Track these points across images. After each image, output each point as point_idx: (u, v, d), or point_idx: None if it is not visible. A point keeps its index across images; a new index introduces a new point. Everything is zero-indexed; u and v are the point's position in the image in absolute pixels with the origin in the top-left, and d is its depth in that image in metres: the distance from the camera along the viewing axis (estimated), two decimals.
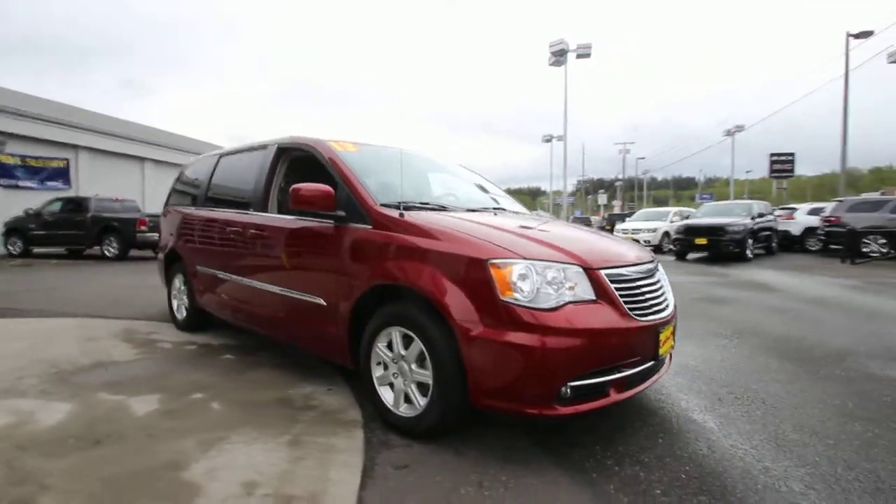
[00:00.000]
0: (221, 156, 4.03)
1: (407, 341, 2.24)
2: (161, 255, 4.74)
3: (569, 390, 1.92)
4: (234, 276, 3.38)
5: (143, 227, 12.33)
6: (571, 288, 2.00)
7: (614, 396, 2.05)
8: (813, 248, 13.85)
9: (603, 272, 2.09)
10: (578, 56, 18.22)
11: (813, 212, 14.35)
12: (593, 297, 2.03)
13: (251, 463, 2.01)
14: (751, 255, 11.81)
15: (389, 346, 2.33)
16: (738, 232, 11.68)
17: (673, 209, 16.52)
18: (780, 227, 14.19)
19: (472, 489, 1.84)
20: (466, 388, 2.02)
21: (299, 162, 3.49)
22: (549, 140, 32.46)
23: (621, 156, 51.87)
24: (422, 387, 2.20)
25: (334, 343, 2.61)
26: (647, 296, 2.25)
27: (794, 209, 15.52)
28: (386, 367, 2.36)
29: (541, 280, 1.96)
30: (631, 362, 2.10)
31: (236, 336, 4.12)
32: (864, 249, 11.18)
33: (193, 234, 4.01)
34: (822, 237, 12.65)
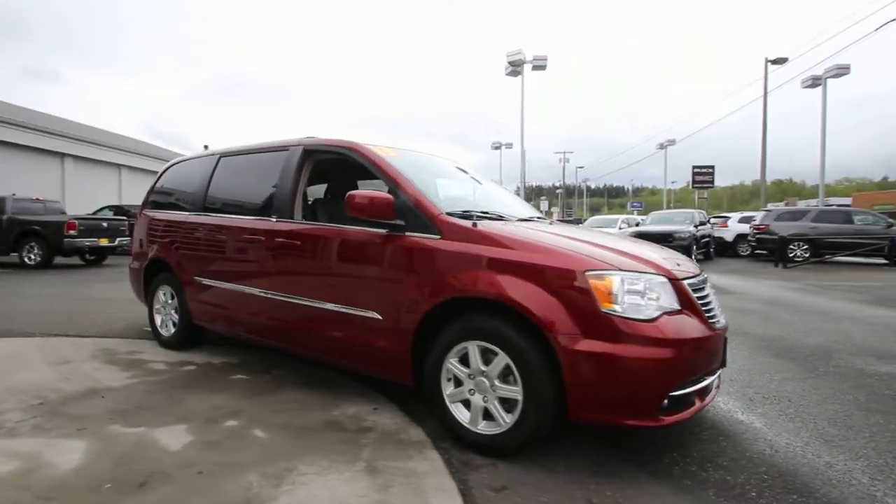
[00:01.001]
0: (221, 157, 3.69)
1: (486, 356, 2.16)
2: (137, 266, 4.25)
3: (667, 400, 1.94)
4: (251, 289, 3.09)
5: (72, 232, 11.06)
6: (658, 298, 2.02)
7: (698, 404, 2.10)
8: (744, 254, 15.27)
9: (686, 282, 2.14)
10: (534, 68, 18.92)
11: (743, 220, 15.81)
12: (678, 307, 2.07)
13: (336, 496, 1.84)
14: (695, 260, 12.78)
15: (463, 362, 2.23)
16: (684, 238, 12.59)
17: (621, 217, 17.49)
18: (716, 234, 15.50)
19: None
20: (561, 403, 1.98)
21: (323, 165, 3.29)
22: (498, 147, 33.25)
23: (560, 164, 54.24)
24: (505, 402, 2.13)
25: (391, 359, 2.46)
26: (711, 304, 2.33)
27: (727, 217, 16.99)
28: (458, 384, 2.26)
29: (636, 291, 1.97)
30: (711, 370, 2.16)
31: (235, 353, 3.78)
32: (790, 255, 12.47)
33: (190, 242, 3.63)
34: (753, 243, 13.96)
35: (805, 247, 12.46)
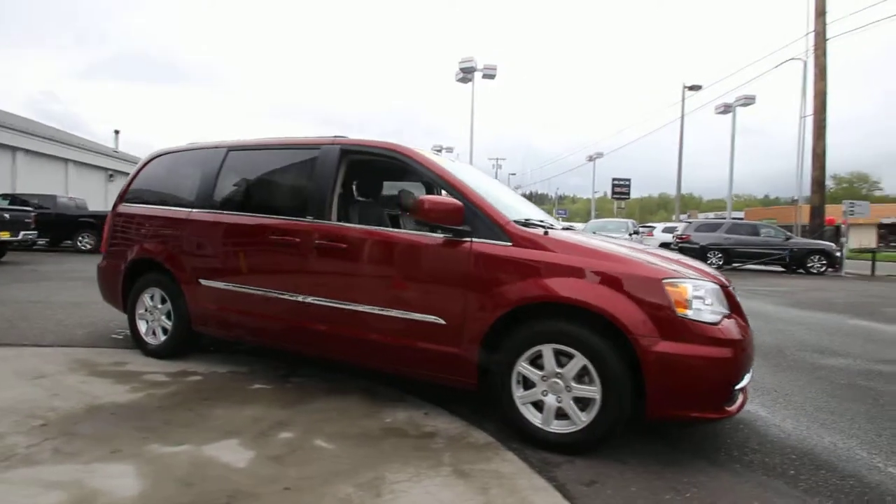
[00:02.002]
0: (230, 150, 3.43)
1: (560, 358, 2.26)
2: (111, 266, 3.80)
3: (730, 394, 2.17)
4: (279, 293, 2.92)
5: None
6: (717, 304, 2.25)
7: (742, 398, 2.37)
8: None
9: (730, 288, 2.41)
10: (485, 76, 19.48)
11: (667, 230, 17.46)
12: (728, 311, 2.32)
13: (442, 501, 1.83)
14: None
15: (534, 364, 2.32)
16: None
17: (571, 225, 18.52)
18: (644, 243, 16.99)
19: (671, 494, 1.96)
20: (638, 401, 2.14)
21: (358, 166, 3.20)
22: (439, 150, 33.52)
23: (493, 170, 55.96)
24: (579, 402, 2.24)
25: (454, 364, 2.47)
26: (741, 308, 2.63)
27: (653, 227, 18.66)
28: (528, 386, 2.34)
29: (701, 297, 2.18)
30: (750, 367, 2.44)
31: (235, 361, 3.53)
32: (708, 262, 14.00)
33: (196, 241, 3.33)
34: (676, 251, 15.47)
35: (720, 255, 14.07)
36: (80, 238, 13.88)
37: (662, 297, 2.13)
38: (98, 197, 23.11)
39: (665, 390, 2.10)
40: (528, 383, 2.34)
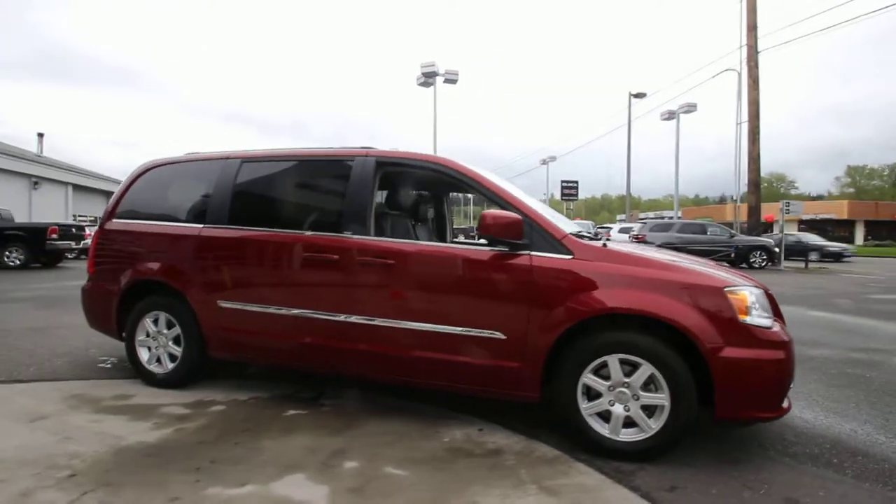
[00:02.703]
0: (244, 162, 3.22)
1: (627, 368, 2.31)
2: (101, 289, 3.45)
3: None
4: (319, 314, 2.77)
5: None
6: (767, 309, 2.39)
7: (788, 398, 2.52)
8: None
9: (770, 291, 2.56)
10: (446, 81, 19.57)
11: (622, 230, 18.33)
12: (773, 316, 2.46)
13: None
14: None
15: (599, 375, 2.35)
16: None
17: None
18: None
19: (749, 493, 2.05)
20: (714, 403, 2.22)
21: (389, 178, 3.11)
22: None
23: None
24: (646, 409, 2.30)
25: (516, 378, 2.45)
26: None
27: (609, 227, 19.50)
28: (593, 397, 2.37)
29: (756, 303, 2.31)
30: None
31: (251, 386, 3.31)
32: None
33: (214, 260, 3.09)
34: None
35: None
36: (7, 253, 12.54)
37: (726, 304, 2.23)
38: (21, 207, 20.91)
39: (732, 393, 2.20)
40: (591, 394, 2.37)
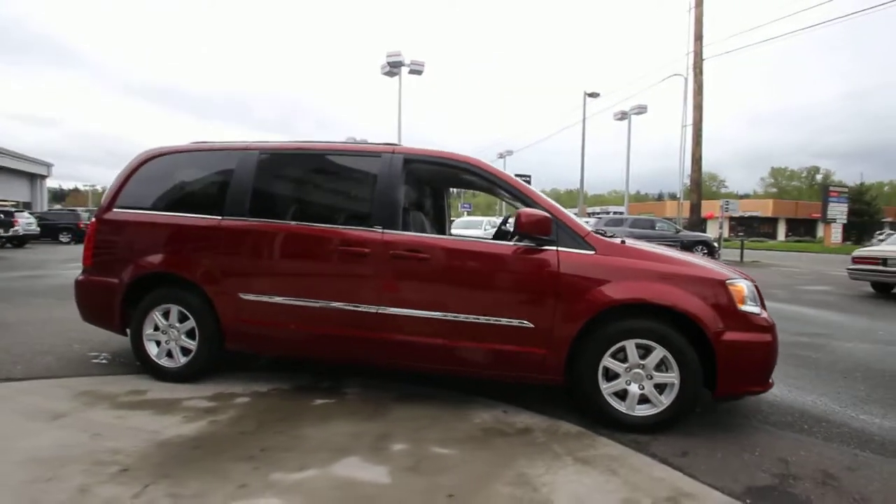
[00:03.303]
0: (262, 153, 3.20)
1: (642, 351, 2.60)
2: (102, 282, 3.32)
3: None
4: (349, 305, 2.86)
5: None
6: (756, 298, 2.76)
7: None
8: None
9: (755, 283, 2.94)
10: (411, 72, 19.42)
11: None
12: (761, 304, 2.84)
13: (593, 485, 2.05)
14: None
15: (617, 358, 2.63)
16: None
17: (485, 218, 19.30)
18: None
19: (748, 455, 2.40)
20: (716, 381, 2.55)
21: (412, 175, 3.22)
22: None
23: None
24: (658, 387, 2.60)
25: (543, 363, 2.68)
26: None
27: None
28: (611, 378, 2.64)
29: (750, 293, 2.67)
30: None
31: (267, 378, 3.33)
32: None
33: (235, 252, 3.07)
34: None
35: None
36: None
37: (727, 295, 2.57)
38: None
39: (732, 372, 2.55)
40: (609, 375, 2.65)
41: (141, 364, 3.29)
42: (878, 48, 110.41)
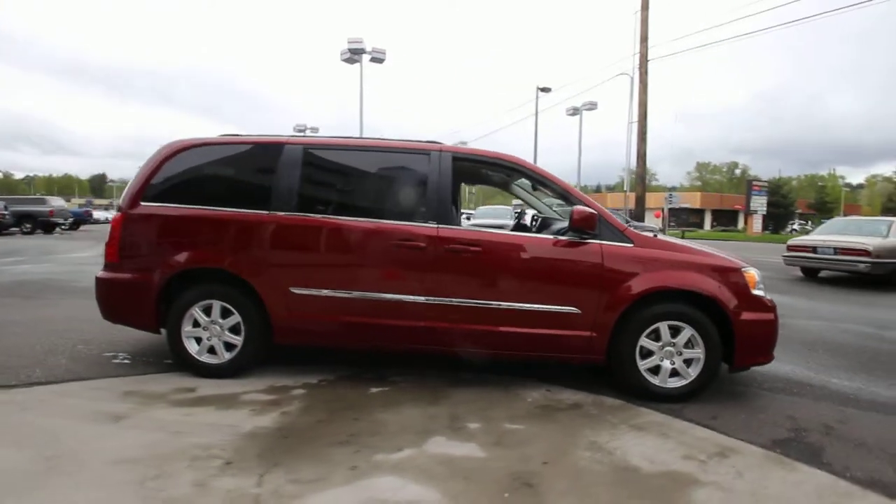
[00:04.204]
0: (308, 148, 3.22)
1: (673, 331, 2.97)
2: (135, 279, 3.20)
3: None
4: (407, 296, 3.00)
5: None
6: (762, 283, 3.21)
7: None
8: None
9: None
10: (372, 59, 19.01)
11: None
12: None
13: (654, 447, 2.38)
14: None
15: (651, 338, 2.98)
16: None
17: (508, 208, 19.58)
18: None
19: (762, 414, 2.84)
20: (729, 358, 2.97)
21: (457, 173, 3.38)
22: (302, 130, 31.62)
23: None
24: (686, 362, 2.99)
25: (589, 344, 2.98)
26: None
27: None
28: (646, 356, 2.99)
29: (759, 279, 3.11)
30: None
31: (308, 370, 3.37)
32: None
33: (286, 246, 3.10)
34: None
35: None
36: None
37: (743, 281, 2.99)
38: None
39: (747, 347, 2.98)
40: (644, 353, 3.00)
41: (179, 362, 3.24)
42: (788, 56, 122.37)
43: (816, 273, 9.59)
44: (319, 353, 3.66)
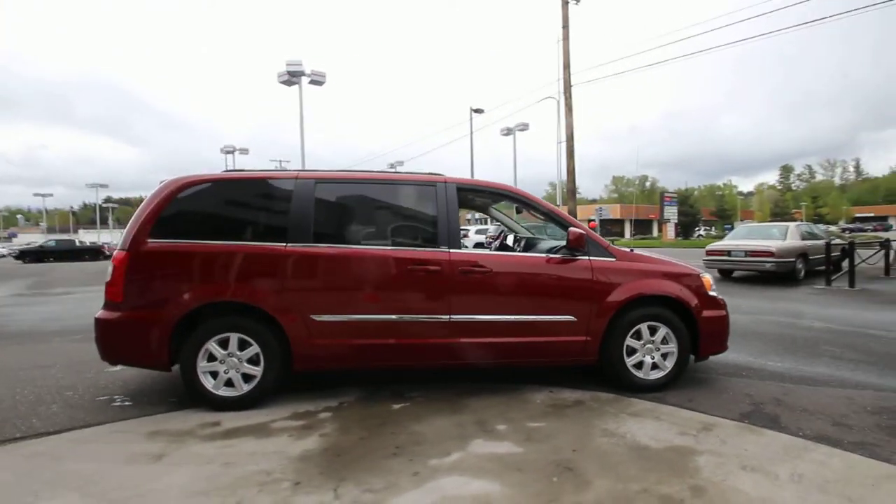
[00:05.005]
0: (319, 182, 3.41)
1: (652, 330, 3.50)
2: (146, 317, 3.17)
3: None
4: (423, 316, 3.26)
5: None
6: (714, 285, 3.85)
7: None
8: None
9: None
10: (311, 82, 18.79)
11: (479, 231, 20.72)
12: None
13: (656, 430, 2.83)
14: None
15: (634, 337, 3.49)
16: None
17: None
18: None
19: (726, 395, 3.42)
20: (695, 349, 3.55)
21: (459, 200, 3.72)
22: (231, 151, 30.37)
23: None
24: (665, 356, 3.52)
25: (584, 348, 3.42)
26: None
27: (468, 229, 21.73)
28: (630, 353, 3.49)
29: (713, 282, 3.75)
30: None
31: (325, 394, 3.52)
32: None
33: (307, 276, 3.25)
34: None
35: None
36: None
37: (701, 284, 3.61)
38: None
39: (708, 339, 3.58)
40: (629, 351, 3.50)
41: (195, 397, 3.23)
42: (689, 80, 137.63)
43: (731, 273, 11.01)
44: (325, 378, 3.79)
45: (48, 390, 3.69)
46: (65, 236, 43.05)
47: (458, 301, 3.33)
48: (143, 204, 3.38)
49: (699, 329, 3.55)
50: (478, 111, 27.52)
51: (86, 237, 51.10)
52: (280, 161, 37.74)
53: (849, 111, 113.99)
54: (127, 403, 3.42)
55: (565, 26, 21.72)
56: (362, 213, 3.57)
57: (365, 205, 3.56)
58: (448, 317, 3.31)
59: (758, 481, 2.26)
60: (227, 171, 3.59)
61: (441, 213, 3.43)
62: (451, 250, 3.36)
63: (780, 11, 14.03)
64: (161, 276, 3.24)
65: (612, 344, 3.45)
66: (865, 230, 39.40)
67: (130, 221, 3.35)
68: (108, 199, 69.86)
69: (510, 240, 5.21)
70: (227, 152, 30.72)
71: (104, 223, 65.94)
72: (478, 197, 3.97)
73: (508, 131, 26.46)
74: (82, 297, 10.06)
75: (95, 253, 29.72)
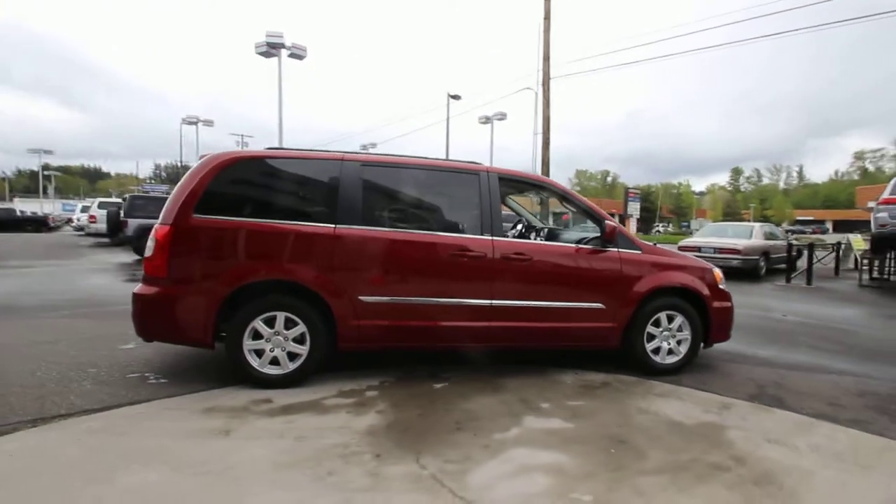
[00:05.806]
0: (364, 165, 3.45)
1: (670, 318, 3.80)
2: (190, 291, 3.15)
3: None
4: (468, 300, 3.41)
5: None
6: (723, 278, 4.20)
7: None
8: None
9: None
10: (291, 55, 17.98)
11: None
12: None
13: (679, 410, 3.13)
14: None
15: (655, 325, 3.78)
16: None
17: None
18: None
19: (743, 379, 3.79)
20: (707, 335, 3.89)
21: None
22: (194, 123, 28.86)
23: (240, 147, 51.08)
24: (680, 343, 3.84)
25: (609, 333, 3.68)
26: None
27: None
28: (649, 339, 3.79)
29: (722, 276, 4.09)
30: None
31: (364, 374, 3.61)
32: None
33: (356, 258, 3.31)
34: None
35: None
36: None
37: (713, 277, 3.94)
38: None
39: (717, 328, 3.93)
40: (649, 337, 3.80)
41: (241, 375, 3.25)
42: (652, 81, 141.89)
43: None
44: (353, 358, 3.84)
45: (69, 367, 3.58)
46: (2, 205, 39.62)
47: (500, 287, 3.49)
48: (185, 178, 3.32)
49: (710, 318, 3.89)
50: (455, 97, 27.45)
51: (24, 206, 47.23)
52: (242, 136, 36.25)
53: (797, 119, 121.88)
54: (163, 381, 3.38)
55: (547, 17, 21.93)
56: (407, 198, 3.64)
57: (410, 189, 3.63)
58: (489, 302, 3.47)
59: (784, 452, 2.58)
60: (270, 148, 3.55)
61: (484, 201, 3.56)
62: (495, 238, 3.51)
63: (744, 23, 14.88)
64: (208, 252, 3.21)
65: (635, 331, 3.73)
66: (806, 232, 42.68)
67: (172, 195, 3.29)
68: (46, 167, 64.63)
69: (522, 228, 5.41)
70: (190, 123, 29.19)
71: (45, 192, 61.07)
72: (517, 187, 4.13)
73: (487, 119, 26.65)
74: (48, 271, 9.49)
75: (39, 224, 27.60)
